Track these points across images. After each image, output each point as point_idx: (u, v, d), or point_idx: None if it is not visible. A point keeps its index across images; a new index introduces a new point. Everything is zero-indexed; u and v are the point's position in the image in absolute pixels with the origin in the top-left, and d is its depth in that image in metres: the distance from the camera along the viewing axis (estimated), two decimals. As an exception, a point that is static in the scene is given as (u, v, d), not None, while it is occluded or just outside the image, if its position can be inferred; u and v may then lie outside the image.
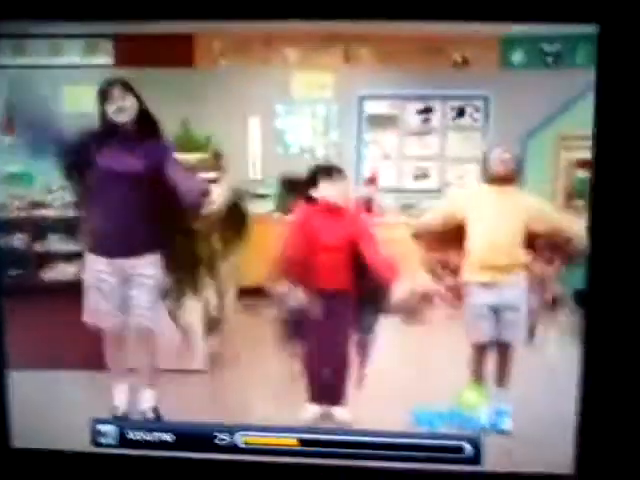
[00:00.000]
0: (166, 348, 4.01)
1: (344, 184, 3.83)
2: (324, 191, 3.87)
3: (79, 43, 6.39)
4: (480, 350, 3.99)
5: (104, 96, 3.60)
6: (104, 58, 6.46)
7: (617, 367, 2.74)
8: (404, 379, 4.24)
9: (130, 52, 6.33)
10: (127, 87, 3.63)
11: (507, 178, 3.84)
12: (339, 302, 3.89)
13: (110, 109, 3.57)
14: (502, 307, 3.85)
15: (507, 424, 3.59)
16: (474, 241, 3.89)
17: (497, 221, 3.79)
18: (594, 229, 2.75)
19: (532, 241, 3.91)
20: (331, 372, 4.01)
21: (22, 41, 6.46)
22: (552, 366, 4.36)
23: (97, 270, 3.67)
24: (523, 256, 3.85)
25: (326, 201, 3.87)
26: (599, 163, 2.67)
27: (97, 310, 3.71)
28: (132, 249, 3.67)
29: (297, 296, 3.84)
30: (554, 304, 4.04)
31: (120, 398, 3.91)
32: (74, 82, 6.40)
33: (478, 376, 3.99)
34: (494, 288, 3.82)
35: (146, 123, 3.67)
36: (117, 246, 3.66)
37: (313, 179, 3.93)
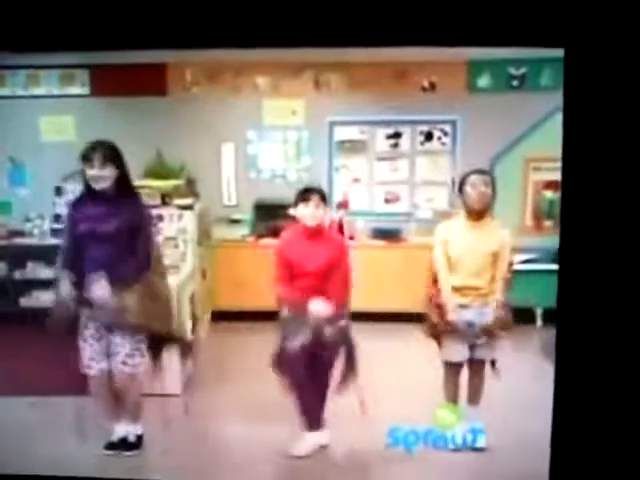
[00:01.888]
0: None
1: (317, 206, 3.78)
2: (300, 213, 3.82)
3: (56, 74, 6.29)
4: (455, 369, 3.97)
5: (85, 160, 3.59)
6: (80, 88, 6.43)
7: (589, 383, 2.75)
8: (380, 399, 4.23)
9: (105, 82, 6.24)
10: (110, 154, 3.62)
11: (484, 211, 3.81)
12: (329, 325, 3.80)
13: (89, 175, 3.58)
14: (481, 326, 3.83)
15: (482, 441, 3.60)
16: (455, 270, 3.86)
17: (476, 253, 3.74)
18: (563, 248, 2.77)
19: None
20: (316, 398, 3.94)
21: (0, 73, 6.53)
22: (525, 383, 4.41)
23: (82, 319, 3.67)
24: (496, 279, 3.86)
25: (303, 223, 3.82)
26: (567, 183, 2.69)
27: (82, 358, 3.70)
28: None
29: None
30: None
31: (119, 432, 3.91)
32: (51, 112, 6.44)
33: (453, 395, 3.99)
34: (470, 309, 3.81)
35: (124, 188, 3.67)
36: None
37: (295, 202, 3.88)
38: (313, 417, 3.87)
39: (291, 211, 3.83)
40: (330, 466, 3.76)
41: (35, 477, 3.33)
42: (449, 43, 2.68)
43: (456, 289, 3.86)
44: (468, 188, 3.76)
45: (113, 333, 3.66)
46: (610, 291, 2.64)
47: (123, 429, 3.83)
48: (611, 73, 2.47)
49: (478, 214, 3.77)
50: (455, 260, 3.83)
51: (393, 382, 4.54)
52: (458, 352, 3.89)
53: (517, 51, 5.64)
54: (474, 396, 3.99)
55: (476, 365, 3.94)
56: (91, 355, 3.65)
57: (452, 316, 3.83)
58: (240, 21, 2.64)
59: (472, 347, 3.88)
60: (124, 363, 3.69)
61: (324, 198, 3.83)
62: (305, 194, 3.82)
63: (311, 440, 3.86)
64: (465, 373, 3.97)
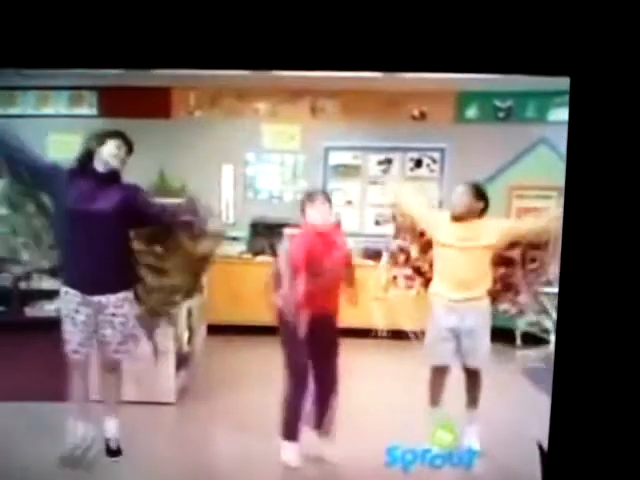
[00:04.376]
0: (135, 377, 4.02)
1: (326, 207, 3.73)
2: (310, 217, 3.76)
3: (65, 95, 6.36)
4: (440, 373, 3.91)
5: (110, 137, 3.61)
6: (88, 109, 6.50)
7: (584, 399, 2.71)
8: (378, 418, 4.07)
9: (112, 104, 6.24)
10: (128, 140, 3.65)
11: (471, 215, 3.77)
12: (331, 327, 3.72)
13: (106, 152, 3.56)
14: (463, 332, 3.78)
15: (477, 462, 3.54)
16: (442, 273, 3.82)
17: (464, 260, 3.66)
18: (563, 275, 2.72)
19: (504, 256, 3.90)
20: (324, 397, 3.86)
21: (12, 92, 6.52)
22: (509, 401, 4.30)
23: (72, 304, 3.62)
24: (488, 283, 3.82)
25: (314, 226, 3.74)
26: (570, 207, 2.65)
27: (69, 341, 3.66)
28: (105, 287, 3.63)
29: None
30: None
31: (76, 435, 3.80)
32: (60, 131, 6.47)
33: (436, 400, 3.94)
34: (456, 310, 3.76)
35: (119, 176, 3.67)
36: (92, 283, 3.60)
37: (302, 208, 3.82)
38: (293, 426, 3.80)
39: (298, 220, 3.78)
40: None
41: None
42: (459, 70, 2.66)
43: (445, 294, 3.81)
44: (456, 197, 3.77)
45: (102, 324, 3.63)
46: (606, 309, 2.61)
47: (108, 427, 3.78)
48: (616, 102, 2.44)
49: (465, 218, 3.74)
50: (441, 262, 3.78)
51: (391, 402, 4.46)
52: (442, 355, 3.84)
53: (504, 84, 5.68)
54: (472, 401, 3.93)
55: (470, 373, 3.89)
56: (81, 340, 3.59)
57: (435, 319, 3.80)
58: (242, 45, 2.63)
59: (462, 353, 3.83)
60: (116, 352, 3.67)
61: (328, 198, 3.80)
62: (310, 195, 3.78)
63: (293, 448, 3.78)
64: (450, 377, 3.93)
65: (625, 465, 2.65)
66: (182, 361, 4.74)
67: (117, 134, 3.62)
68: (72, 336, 3.57)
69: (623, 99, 2.46)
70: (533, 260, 3.84)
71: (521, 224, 3.98)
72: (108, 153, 3.53)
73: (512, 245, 3.82)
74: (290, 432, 3.75)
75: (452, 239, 3.73)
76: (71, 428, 3.70)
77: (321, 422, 3.82)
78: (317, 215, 3.70)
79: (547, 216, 3.67)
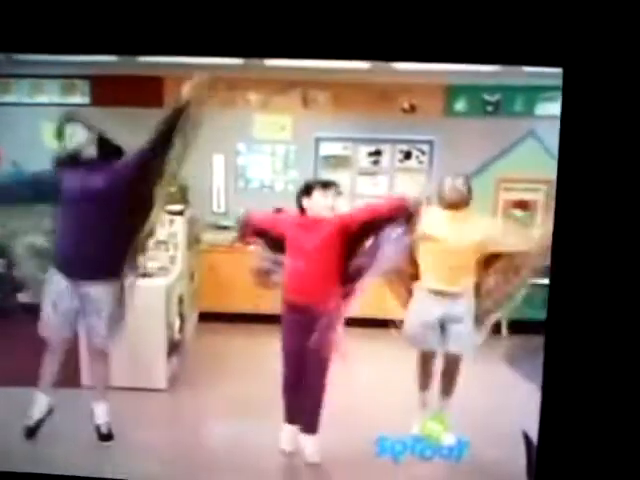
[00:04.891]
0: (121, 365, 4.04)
1: (336, 199, 3.68)
2: (316, 201, 3.68)
3: (58, 83, 6.34)
4: (427, 359, 3.93)
5: (60, 134, 3.57)
6: (81, 97, 6.43)
7: (574, 388, 2.71)
8: (367, 409, 4.14)
9: (105, 93, 6.23)
10: (78, 123, 3.61)
11: (461, 203, 3.80)
12: (316, 320, 3.56)
13: (69, 145, 3.56)
14: (449, 319, 3.81)
15: (467, 453, 3.55)
16: (429, 267, 3.83)
17: (452, 244, 3.73)
18: (554, 266, 2.72)
19: (491, 262, 3.86)
20: (307, 394, 3.74)
21: (6, 81, 6.49)
22: (494, 391, 4.33)
23: (58, 288, 3.59)
24: (473, 275, 3.81)
25: (314, 212, 3.68)
26: (562, 199, 2.63)
27: (48, 324, 3.64)
28: (92, 274, 3.59)
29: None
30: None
31: (38, 409, 3.79)
32: (53, 119, 6.39)
33: (425, 384, 3.96)
34: (442, 300, 3.79)
35: (107, 148, 3.64)
36: (79, 269, 3.57)
37: (309, 190, 3.74)
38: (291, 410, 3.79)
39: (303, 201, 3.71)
40: (315, 470, 3.71)
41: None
42: (451, 60, 2.65)
43: (431, 280, 3.83)
44: (448, 185, 3.80)
45: (86, 311, 3.61)
46: (596, 301, 2.62)
47: (98, 412, 3.79)
48: (609, 93, 2.44)
49: (456, 206, 3.77)
50: (429, 248, 3.79)
51: (380, 392, 4.47)
52: (428, 341, 3.87)
53: (492, 78, 5.68)
54: (447, 388, 3.96)
55: (451, 358, 3.91)
56: (58, 327, 3.60)
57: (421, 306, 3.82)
58: (234, 32, 2.61)
59: (445, 339, 3.85)
60: (104, 338, 3.67)
61: (339, 190, 3.77)
62: (325, 183, 3.71)
63: (289, 432, 3.78)
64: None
65: (614, 454, 2.68)
66: (173, 348, 4.75)
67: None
68: (49, 321, 3.58)
69: (616, 90, 2.46)
70: (516, 273, 3.85)
71: (504, 239, 3.92)
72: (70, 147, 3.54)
73: (495, 257, 3.83)
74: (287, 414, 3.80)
75: (443, 231, 3.75)
76: (37, 403, 3.77)
77: (304, 418, 3.77)
78: (325, 207, 3.66)
79: (531, 240, 3.69)
